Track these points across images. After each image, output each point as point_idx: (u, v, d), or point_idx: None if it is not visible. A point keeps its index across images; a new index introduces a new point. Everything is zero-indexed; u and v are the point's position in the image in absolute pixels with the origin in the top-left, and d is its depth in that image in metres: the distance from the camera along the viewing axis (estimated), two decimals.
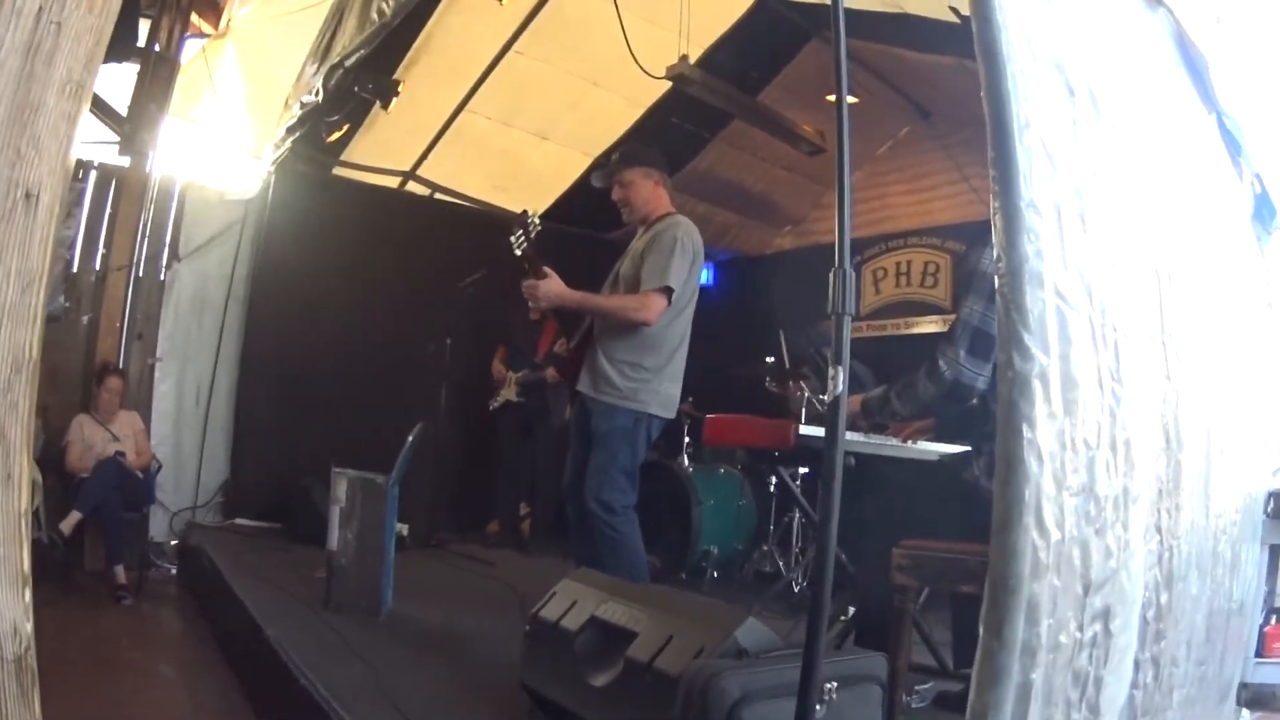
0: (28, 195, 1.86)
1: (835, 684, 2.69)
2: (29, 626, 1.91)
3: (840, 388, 2.24)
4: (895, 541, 3.46)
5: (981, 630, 2.14)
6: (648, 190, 5.03)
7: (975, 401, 3.61)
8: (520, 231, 4.77)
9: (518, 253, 4.80)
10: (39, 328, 1.89)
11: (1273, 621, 3.83)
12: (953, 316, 8.69)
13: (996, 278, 2.23)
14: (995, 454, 3.28)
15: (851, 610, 4.51)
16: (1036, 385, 2.17)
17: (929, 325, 9.35)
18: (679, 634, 2.98)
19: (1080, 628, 2.32)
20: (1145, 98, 2.94)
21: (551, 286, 4.74)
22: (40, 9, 1.90)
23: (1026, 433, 2.16)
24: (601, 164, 7.59)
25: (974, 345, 3.47)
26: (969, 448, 3.98)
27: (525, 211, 4.88)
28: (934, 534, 3.41)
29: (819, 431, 3.86)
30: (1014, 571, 2.13)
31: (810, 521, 6.64)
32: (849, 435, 3.89)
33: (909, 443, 4.37)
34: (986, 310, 3.41)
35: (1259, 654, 3.74)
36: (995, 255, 2.24)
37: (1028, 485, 2.15)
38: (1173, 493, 2.72)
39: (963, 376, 3.46)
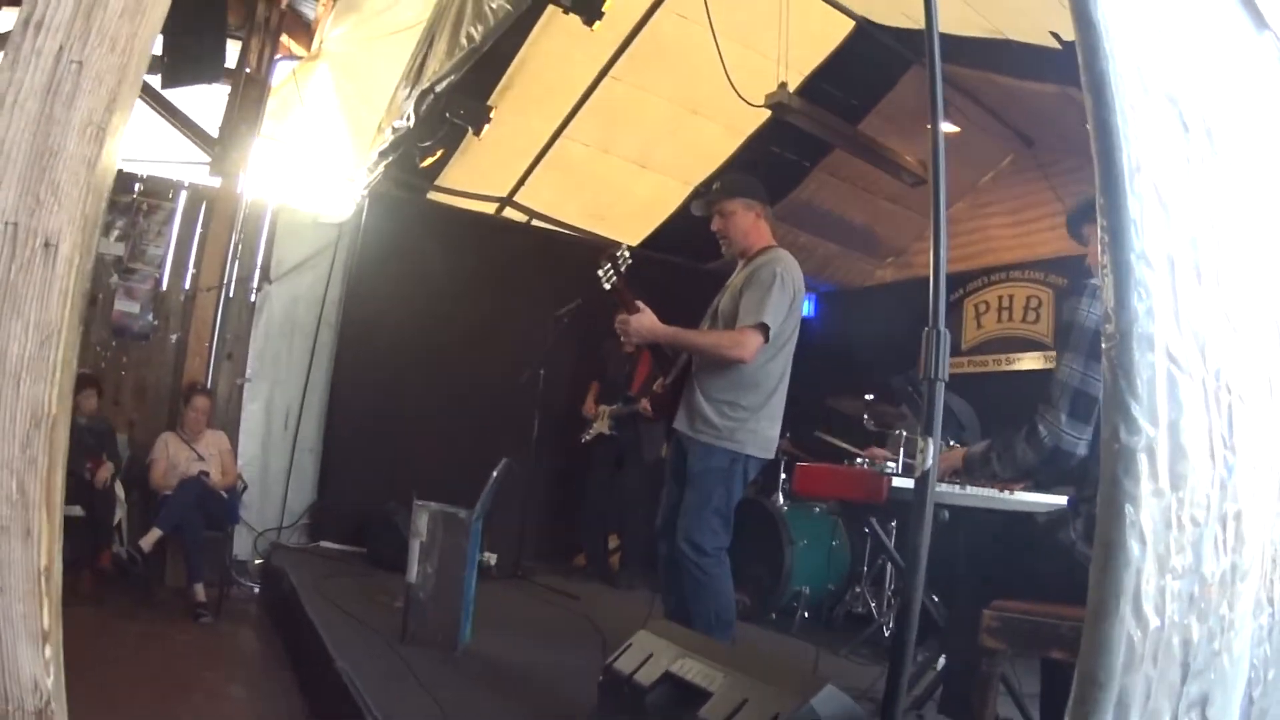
0: (46, 244, 1.78)
1: None
2: (49, 681, 1.86)
3: (930, 462, 2.08)
4: (987, 596, 3.25)
5: None
6: (748, 222, 4.94)
7: (1075, 463, 3.41)
8: (609, 265, 4.69)
9: (606, 286, 4.73)
10: (59, 381, 1.81)
11: None
12: (1052, 353, 8.64)
13: (1104, 340, 2.05)
14: (1094, 517, 3.15)
15: (943, 661, 4.34)
16: (1143, 460, 2.00)
17: (1031, 361, 9.06)
18: (754, 698, 2.86)
19: (1174, 717, 2.13)
20: (1260, 131, 2.72)
21: (644, 321, 4.65)
22: (60, 48, 1.81)
23: (1129, 513, 1.98)
24: (701, 192, 7.49)
25: (1075, 408, 3.24)
26: (1064, 502, 3.80)
27: (618, 245, 4.81)
28: (1027, 592, 3.21)
29: (909, 486, 3.67)
30: (1105, 665, 1.96)
31: (945, 572, 6.44)
32: (941, 487, 3.72)
33: (1005, 492, 4.17)
34: (1087, 369, 3.20)
35: None
36: (1103, 313, 2.05)
37: (1127, 571, 1.97)
38: None
39: (1063, 443, 3.24)
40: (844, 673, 5.57)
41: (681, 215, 9.24)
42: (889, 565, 7.08)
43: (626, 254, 4.73)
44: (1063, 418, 3.21)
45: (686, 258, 9.82)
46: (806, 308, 9.12)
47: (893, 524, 6.49)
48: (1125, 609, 1.95)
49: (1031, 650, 3.11)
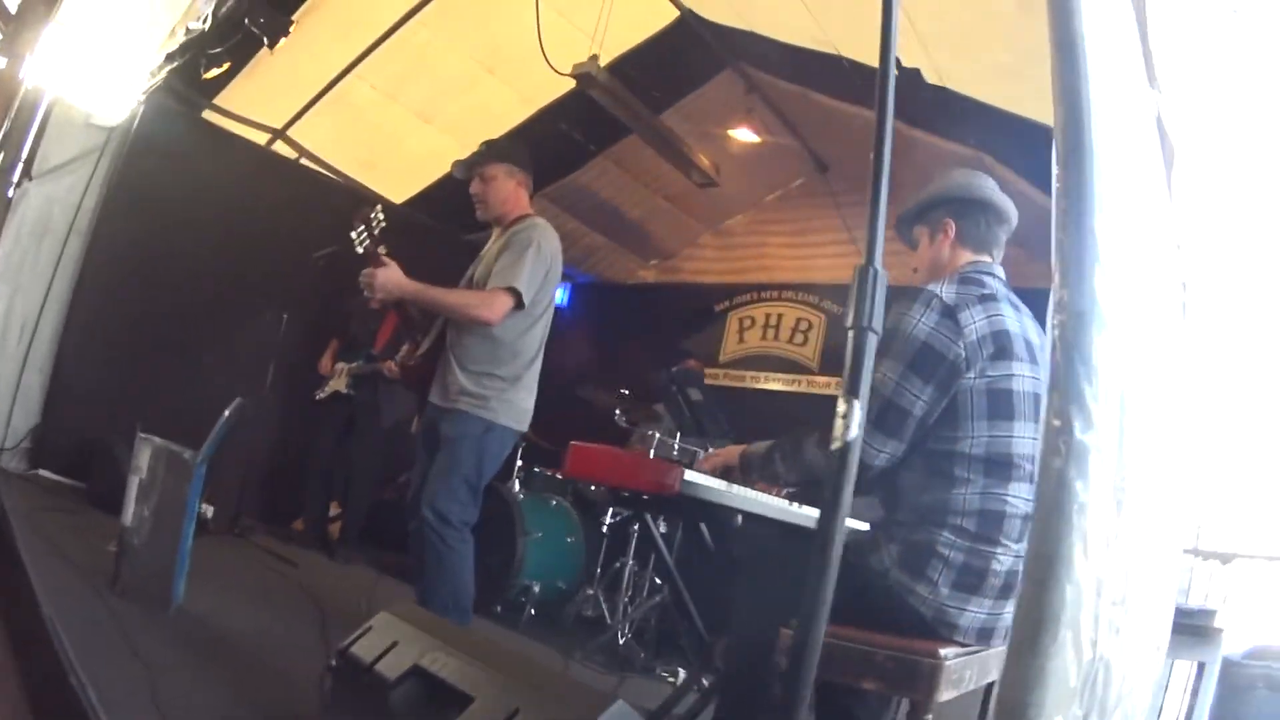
0: None
1: None
2: None
3: (854, 431, 1.75)
4: (771, 617, 2.94)
5: None
6: (509, 190, 4.84)
7: (872, 475, 3.13)
8: (363, 227, 4.62)
9: (359, 250, 4.64)
10: None
11: None
12: (815, 379, 8.63)
13: (1054, 319, 1.74)
14: (911, 543, 2.90)
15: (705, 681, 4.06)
16: (1095, 460, 1.69)
17: (778, 383, 9.06)
18: (527, 708, 2.41)
19: None
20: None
21: (390, 276, 4.52)
22: None
23: (1078, 523, 1.66)
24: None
25: (881, 418, 2.95)
26: (867, 526, 3.55)
27: (373, 204, 4.74)
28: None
29: (710, 482, 3.34)
30: (1037, 700, 1.64)
31: (670, 578, 6.19)
32: (737, 490, 3.41)
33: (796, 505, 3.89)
34: (902, 379, 2.93)
35: None
36: (1059, 295, 1.75)
37: (1071, 589, 1.66)
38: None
39: (863, 453, 2.95)
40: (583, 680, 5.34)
41: (451, 178, 8.84)
42: (627, 570, 6.81)
43: (380, 216, 4.63)
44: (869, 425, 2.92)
45: (448, 223, 9.51)
46: (560, 295, 8.88)
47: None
48: (1066, 635, 1.65)
49: (839, 676, 2.82)
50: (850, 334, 1.88)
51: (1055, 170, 1.83)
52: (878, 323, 1.88)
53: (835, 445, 1.82)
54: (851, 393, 1.81)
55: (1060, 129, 1.80)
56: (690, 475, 3.32)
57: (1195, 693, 5.09)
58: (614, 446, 4.29)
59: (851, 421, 1.79)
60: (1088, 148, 1.76)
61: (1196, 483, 2.51)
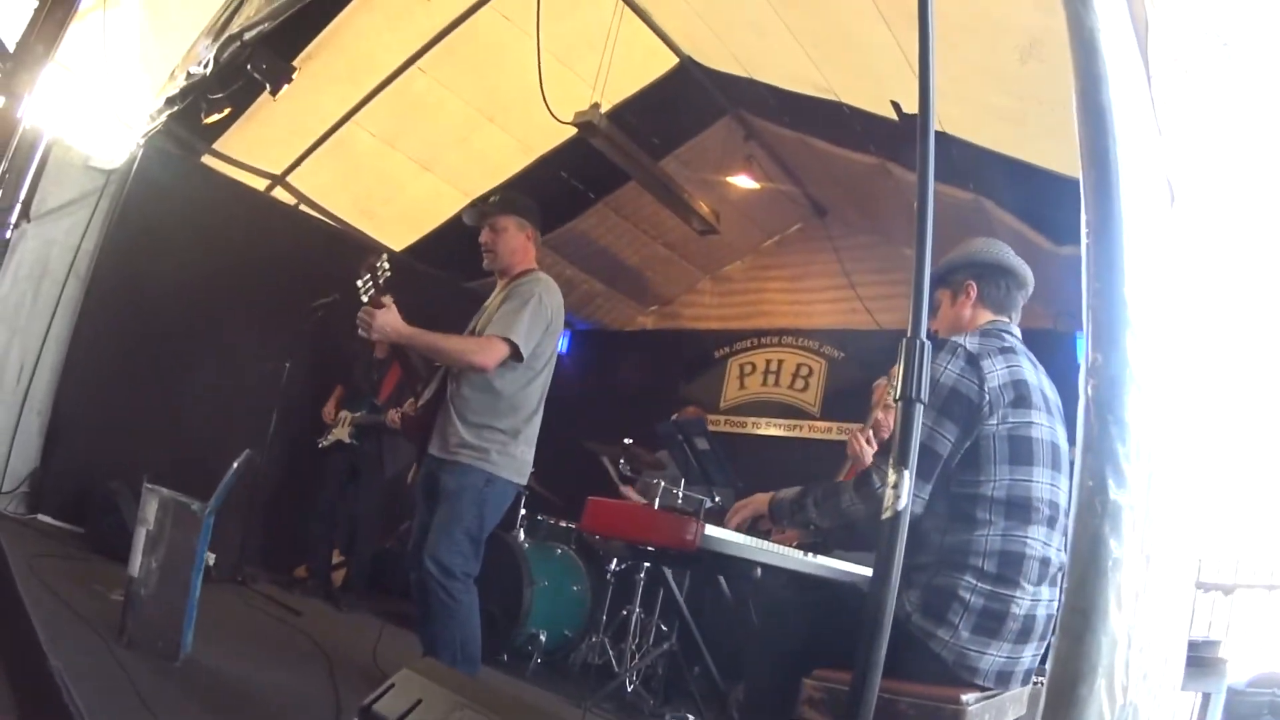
0: None
1: None
2: None
3: (905, 499, 1.79)
4: (795, 669, 2.97)
5: None
6: (518, 242, 4.86)
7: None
8: (369, 276, 4.59)
9: (364, 299, 4.59)
10: None
11: None
12: (816, 424, 8.66)
13: (1089, 381, 1.80)
14: (933, 588, 2.93)
15: None
16: (1128, 518, 1.74)
17: (779, 429, 9.08)
18: None
19: None
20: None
21: (388, 318, 4.49)
22: None
23: (1113, 578, 1.71)
24: (478, 202, 7.19)
25: (918, 464, 3.02)
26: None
27: (379, 254, 4.69)
28: (843, 664, 2.94)
29: (729, 536, 3.37)
30: None
31: (687, 628, 6.20)
32: (748, 541, 3.45)
33: (808, 555, 3.92)
34: (936, 425, 2.98)
35: None
36: (1092, 358, 1.81)
37: (1106, 641, 1.71)
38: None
39: None
40: None
41: (451, 226, 8.92)
42: (634, 618, 6.80)
43: (386, 266, 4.60)
44: None
45: (449, 271, 9.51)
46: (561, 344, 8.91)
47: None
48: (1100, 684, 1.70)
49: None
50: (899, 406, 1.92)
51: (1085, 239, 1.88)
52: (925, 394, 1.92)
53: (886, 515, 1.86)
54: (902, 463, 1.85)
55: (1090, 197, 1.85)
56: (710, 530, 3.35)
57: None
58: (624, 500, 4.33)
59: (902, 491, 1.83)
60: (1117, 218, 1.82)
61: (1204, 522, 2.54)
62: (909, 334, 1.94)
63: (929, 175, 2.00)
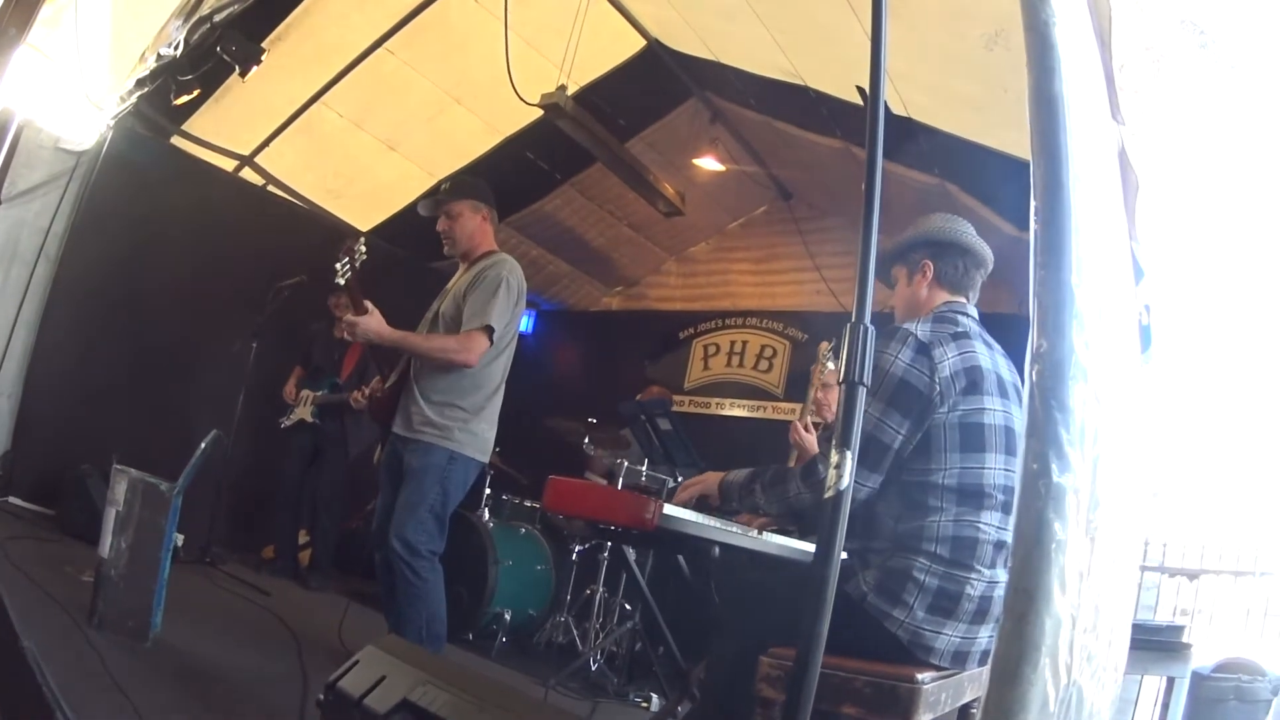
0: None
1: None
2: None
3: (846, 480, 1.84)
4: (753, 647, 3.01)
5: None
6: (474, 225, 4.95)
7: (854, 508, 3.20)
8: (346, 260, 4.71)
9: (340, 281, 4.73)
10: None
11: None
12: (780, 405, 8.71)
13: (1033, 367, 1.84)
14: (890, 570, 2.97)
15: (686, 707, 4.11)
16: (1071, 500, 1.79)
17: (742, 409, 9.13)
18: None
19: None
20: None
21: (371, 323, 4.59)
22: None
23: (1057, 559, 1.76)
24: (431, 192, 7.22)
25: (864, 453, 3.04)
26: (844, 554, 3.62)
27: (357, 237, 4.86)
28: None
29: (687, 515, 3.40)
30: None
31: (647, 606, 6.25)
32: (707, 520, 3.47)
33: (761, 533, 3.95)
34: (883, 415, 3.01)
35: None
36: (1037, 344, 1.85)
37: (1050, 622, 1.77)
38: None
39: None
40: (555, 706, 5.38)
41: (417, 207, 8.87)
42: (597, 597, 6.85)
43: (363, 249, 4.74)
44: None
45: (413, 252, 9.49)
46: (525, 323, 8.93)
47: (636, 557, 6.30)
48: (1044, 663, 1.75)
49: (818, 703, 2.89)
50: (843, 389, 1.95)
51: (1034, 227, 1.92)
52: (868, 377, 1.95)
53: (828, 494, 1.89)
54: (844, 444, 1.88)
55: (1040, 187, 1.89)
56: (669, 509, 3.37)
57: (1166, 706, 5.19)
58: (587, 479, 4.36)
59: (844, 471, 1.87)
60: (1066, 208, 1.86)
61: (1150, 507, 2.59)
62: (853, 318, 1.97)
63: (877, 159, 2.05)
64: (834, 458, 1.91)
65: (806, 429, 5.26)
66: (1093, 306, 1.92)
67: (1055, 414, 1.82)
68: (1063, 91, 1.96)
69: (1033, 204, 1.93)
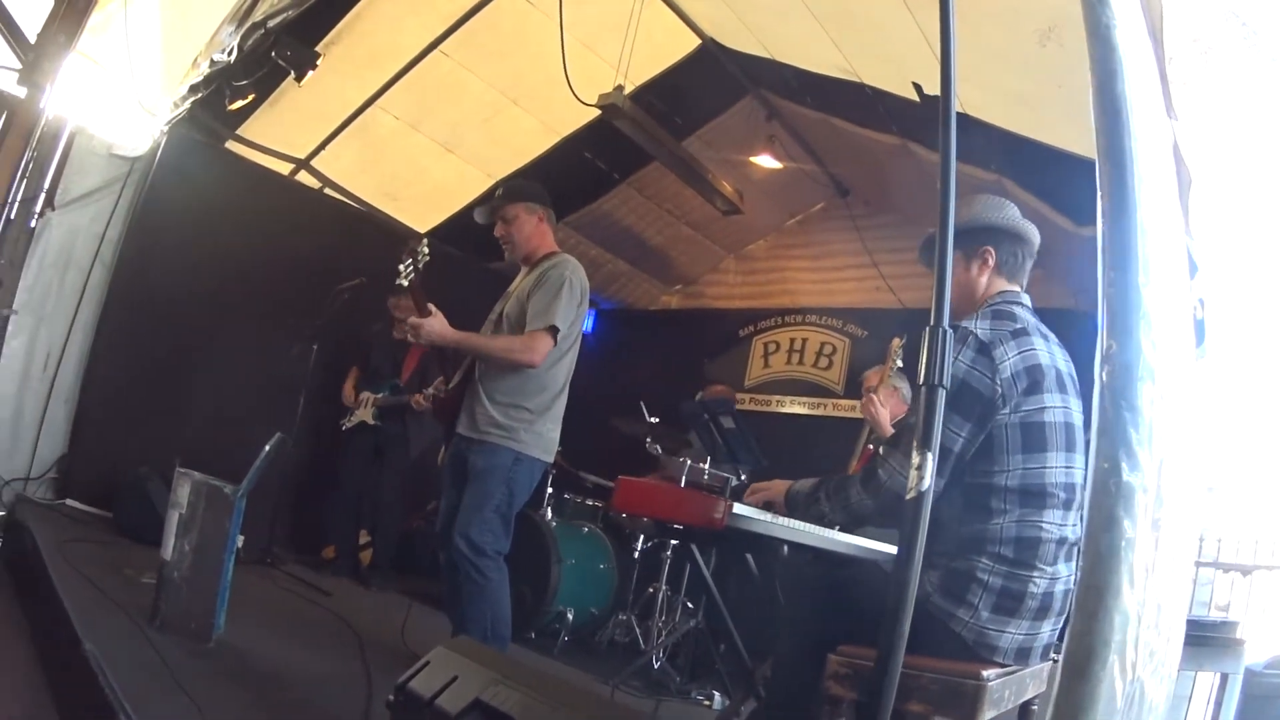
0: None
1: None
2: None
3: (928, 481, 1.86)
4: (821, 645, 3.03)
5: None
6: (530, 227, 4.96)
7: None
8: (410, 261, 4.72)
9: (403, 283, 4.75)
10: None
11: None
12: (840, 402, 8.71)
13: (1103, 368, 1.86)
14: (953, 571, 2.97)
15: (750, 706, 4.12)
16: (1140, 499, 1.81)
17: (803, 407, 9.12)
18: None
19: None
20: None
21: (435, 326, 4.61)
22: None
23: (1126, 556, 1.78)
24: (488, 195, 7.27)
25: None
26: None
27: (420, 238, 4.83)
28: (863, 641, 2.99)
29: (756, 514, 3.42)
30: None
31: (712, 605, 6.27)
32: (778, 519, 3.48)
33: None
34: (945, 418, 2.98)
35: None
36: (1106, 345, 1.87)
37: (1120, 618, 1.79)
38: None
39: (905, 490, 2.98)
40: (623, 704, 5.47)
41: (474, 210, 8.93)
42: (660, 596, 6.88)
43: (426, 251, 4.75)
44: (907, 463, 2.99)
45: (472, 253, 9.50)
46: (585, 323, 8.98)
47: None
48: (1113, 659, 1.77)
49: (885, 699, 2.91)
50: (923, 391, 1.97)
51: (1101, 230, 1.93)
52: (947, 379, 1.98)
53: (910, 495, 1.92)
54: (925, 445, 1.90)
55: (1106, 192, 1.90)
56: (738, 508, 3.40)
57: (1219, 704, 5.14)
58: (655, 479, 4.38)
59: (925, 472, 1.89)
60: (1132, 210, 1.87)
61: (1206, 502, 2.59)
62: (932, 321, 1.99)
63: (951, 162, 2.06)
64: (915, 458, 1.93)
65: (882, 403, 5.25)
66: (1158, 306, 1.94)
67: (1125, 414, 1.83)
68: (1126, 94, 1.97)
69: (1099, 207, 1.94)
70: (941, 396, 1.98)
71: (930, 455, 1.92)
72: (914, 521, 1.95)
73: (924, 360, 1.99)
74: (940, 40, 2.06)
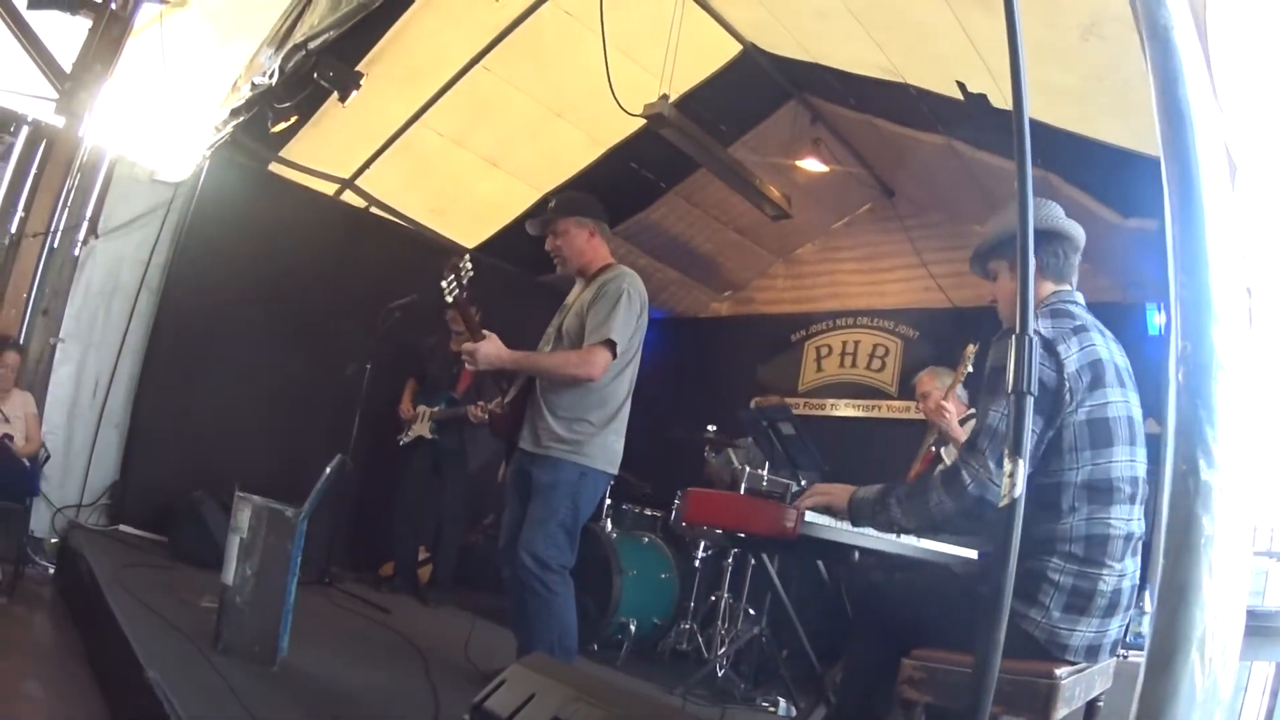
0: None
1: None
2: None
3: (1020, 488, 1.88)
4: (890, 648, 3.04)
5: None
6: (581, 241, 4.96)
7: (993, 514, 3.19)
8: (452, 276, 4.74)
9: (448, 299, 4.78)
10: None
11: None
12: (893, 403, 8.68)
13: (1179, 368, 1.87)
14: (1028, 572, 2.96)
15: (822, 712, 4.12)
16: (1218, 497, 1.82)
17: (856, 409, 9.11)
18: None
19: None
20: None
21: (489, 350, 4.61)
22: None
23: (1206, 554, 1.79)
24: (536, 212, 7.33)
25: (1003, 456, 3.04)
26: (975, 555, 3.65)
27: (462, 254, 4.83)
28: (935, 644, 2.99)
29: (826, 521, 3.42)
30: (1171, 714, 1.80)
31: (776, 611, 6.27)
32: (842, 525, 3.49)
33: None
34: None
35: None
36: (1181, 346, 1.88)
37: (1200, 613, 1.80)
38: None
39: (988, 493, 2.97)
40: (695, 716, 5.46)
41: (523, 222, 8.94)
42: (722, 604, 6.89)
43: (469, 266, 4.75)
44: (991, 465, 2.99)
45: (521, 267, 9.58)
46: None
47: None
48: (1194, 654, 1.79)
49: (960, 702, 2.90)
50: (1011, 399, 1.99)
51: (1170, 233, 1.95)
52: (1034, 386, 2.00)
53: (1004, 502, 1.95)
54: (1016, 452, 1.92)
55: (1174, 194, 1.92)
56: (810, 516, 3.41)
57: (1275, 693, 5.10)
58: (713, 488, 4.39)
59: (1018, 479, 1.91)
60: (1199, 213, 1.88)
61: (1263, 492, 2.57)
62: (1018, 329, 2.01)
63: (1027, 169, 2.07)
64: (1007, 466, 1.96)
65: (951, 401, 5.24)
66: (1225, 304, 1.95)
67: (1201, 413, 1.85)
68: (1187, 96, 1.98)
69: (1168, 209, 1.96)
70: (1030, 404, 1.99)
71: (1023, 462, 1.94)
72: (1008, 529, 1.96)
73: (1011, 368, 2.00)
74: (1009, 53, 2.07)
